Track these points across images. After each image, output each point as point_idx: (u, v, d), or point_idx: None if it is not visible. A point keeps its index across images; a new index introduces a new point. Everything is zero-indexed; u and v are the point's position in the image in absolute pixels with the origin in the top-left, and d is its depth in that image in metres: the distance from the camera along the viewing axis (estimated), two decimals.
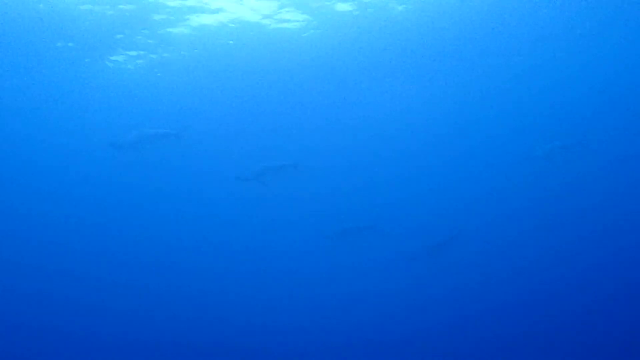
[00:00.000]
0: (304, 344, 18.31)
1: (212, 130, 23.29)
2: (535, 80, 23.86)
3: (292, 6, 16.23)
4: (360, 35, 18.29)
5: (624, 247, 21.22)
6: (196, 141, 21.77)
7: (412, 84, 21.93)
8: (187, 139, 17.04)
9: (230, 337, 19.07)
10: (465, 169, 26.18)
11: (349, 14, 16.95)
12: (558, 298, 19.56)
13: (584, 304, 18.97)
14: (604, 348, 16.49)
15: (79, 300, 20.52)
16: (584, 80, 23.86)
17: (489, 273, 21.01)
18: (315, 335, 18.78)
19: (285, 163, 16.91)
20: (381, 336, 18.66)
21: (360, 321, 19.42)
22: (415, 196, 25.21)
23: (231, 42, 18.17)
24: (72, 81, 20.04)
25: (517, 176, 24.50)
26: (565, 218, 23.06)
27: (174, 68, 19.56)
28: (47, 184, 25.27)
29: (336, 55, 19.29)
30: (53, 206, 24.79)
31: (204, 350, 18.41)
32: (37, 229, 23.69)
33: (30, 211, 24.36)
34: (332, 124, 23.86)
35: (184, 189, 25.57)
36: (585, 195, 23.70)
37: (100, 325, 19.23)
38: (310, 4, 16.21)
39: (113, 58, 19.11)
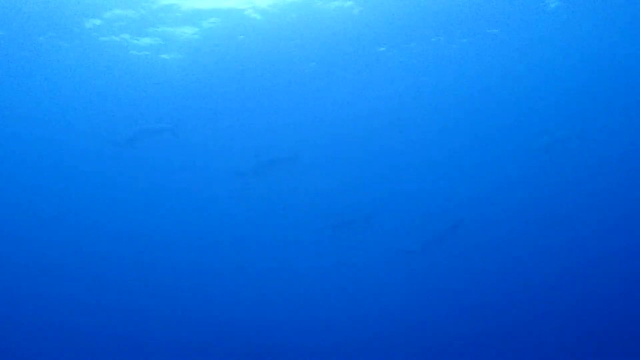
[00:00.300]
0: (301, 339, 18.27)
1: (208, 125, 23.19)
2: (532, 72, 23.79)
3: None
4: (354, 26, 18.25)
5: (624, 239, 21.20)
6: (192, 136, 21.81)
7: (410, 75, 21.86)
8: (183, 133, 17.00)
9: (227, 331, 19.07)
10: (464, 161, 26.11)
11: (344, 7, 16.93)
12: (557, 292, 19.52)
13: (583, 297, 18.93)
14: (606, 340, 16.48)
15: (77, 297, 20.48)
16: (582, 71, 23.79)
17: (487, 267, 20.99)
18: (312, 330, 18.75)
19: (284, 156, 16.86)
20: (378, 331, 18.67)
21: (358, 316, 19.41)
22: (412, 189, 25.16)
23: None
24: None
25: (516, 168, 24.47)
26: (564, 210, 23.03)
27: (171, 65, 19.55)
28: (46, 181, 25.19)
29: (331, 47, 19.24)
30: (51, 203, 24.73)
31: (199, 344, 18.40)
32: (34, 225, 23.65)
33: (28, 208, 24.30)
34: (328, 117, 23.76)
35: (181, 184, 25.49)
36: (584, 187, 23.68)
37: (99, 321, 19.20)
38: None
39: None
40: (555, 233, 21.99)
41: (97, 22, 16.63)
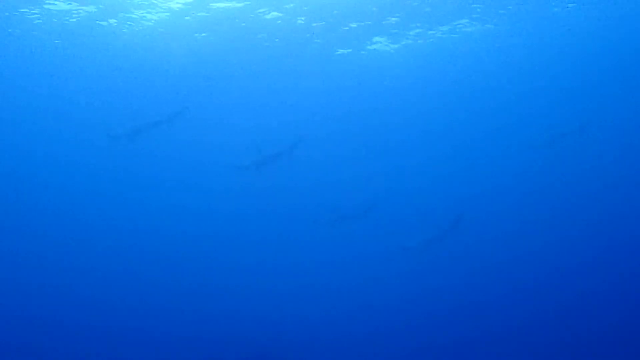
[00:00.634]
0: (298, 334, 18.28)
1: (207, 118, 23.18)
2: (534, 68, 23.73)
3: None
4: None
5: (626, 236, 21.09)
6: (191, 130, 21.79)
7: (410, 72, 21.80)
8: (182, 127, 16.99)
9: (224, 326, 19.10)
10: (465, 158, 26.03)
11: None
12: (558, 290, 19.44)
13: (584, 295, 18.86)
14: (606, 339, 16.42)
15: (76, 291, 20.47)
16: (584, 67, 23.72)
17: (488, 264, 20.90)
18: (310, 325, 18.75)
19: (283, 149, 16.83)
20: (376, 327, 18.65)
21: (356, 311, 19.40)
22: (413, 185, 25.08)
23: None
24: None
25: (518, 164, 24.38)
26: (566, 206, 22.93)
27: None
28: (45, 175, 25.18)
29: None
30: (51, 197, 24.72)
31: (195, 339, 18.42)
32: (34, 218, 23.66)
33: (27, 201, 24.32)
34: (329, 112, 23.71)
35: (180, 178, 25.49)
36: (587, 183, 23.57)
37: (98, 316, 19.21)
38: None
39: None
40: (557, 229, 21.87)
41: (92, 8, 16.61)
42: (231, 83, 21.62)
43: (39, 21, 16.90)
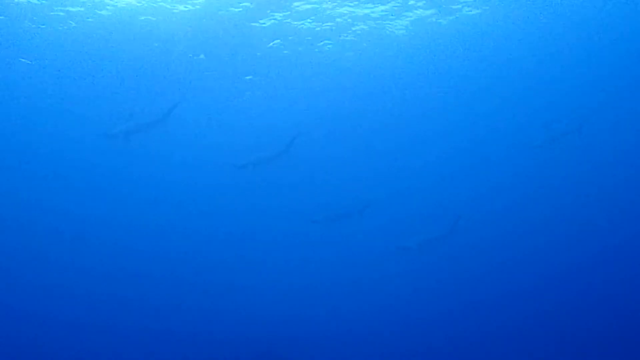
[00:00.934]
0: (293, 332, 18.27)
1: (200, 118, 23.14)
2: (531, 69, 23.70)
3: None
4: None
5: (624, 236, 21.07)
6: (188, 129, 21.79)
7: (407, 73, 21.78)
8: (178, 126, 16.95)
9: (219, 324, 19.10)
10: (462, 159, 25.99)
11: None
12: (555, 290, 19.41)
13: (581, 295, 18.83)
14: (604, 340, 16.39)
15: (71, 289, 20.45)
16: (581, 67, 23.71)
17: (485, 265, 20.89)
18: (305, 324, 18.75)
19: (280, 150, 16.78)
20: (371, 326, 18.64)
21: (352, 310, 19.40)
22: (410, 185, 25.06)
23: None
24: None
25: (515, 165, 24.35)
26: (563, 207, 22.92)
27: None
28: (42, 174, 25.10)
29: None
30: (47, 196, 24.66)
31: (187, 337, 18.39)
32: (29, 217, 23.60)
33: (22, 200, 24.24)
34: (325, 112, 23.65)
35: (177, 177, 25.46)
36: (585, 183, 23.56)
37: (94, 317, 19.17)
38: None
39: None
40: (555, 230, 21.84)
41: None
42: (228, 82, 21.51)
43: (34, 17, 16.75)
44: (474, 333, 18.01)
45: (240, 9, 17.05)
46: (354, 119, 24.02)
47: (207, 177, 24.65)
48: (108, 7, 16.71)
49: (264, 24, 17.86)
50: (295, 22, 18.00)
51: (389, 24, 18.27)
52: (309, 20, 17.90)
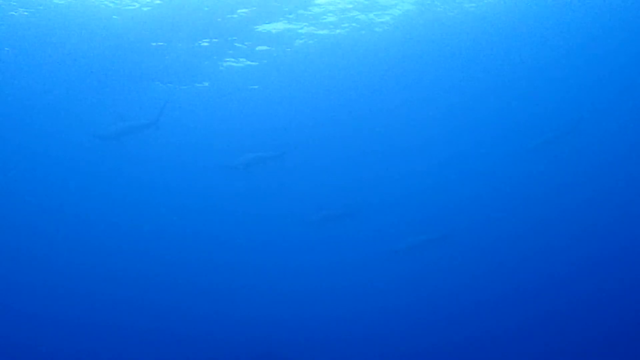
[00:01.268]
0: (283, 335, 18.23)
1: (192, 120, 23.08)
2: (524, 73, 23.68)
3: None
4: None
5: (617, 240, 21.05)
6: (178, 130, 21.72)
7: (407, 75, 21.70)
8: (167, 126, 16.90)
9: (211, 327, 19.05)
10: (456, 162, 25.92)
11: None
12: (547, 295, 19.39)
13: (574, 300, 18.81)
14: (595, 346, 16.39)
15: (59, 292, 20.36)
16: (574, 71, 23.71)
17: (476, 269, 20.86)
18: (295, 326, 18.71)
19: (273, 153, 16.75)
20: (361, 329, 18.62)
21: (342, 313, 19.37)
22: (403, 188, 24.98)
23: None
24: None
25: (508, 169, 24.31)
26: (556, 211, 22.88)
27: None
28: (31, 175, 24.96)
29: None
30: (37, 197, 24.52)
31: (179, 339, 18.36)
32: (19, 219, 23.48)
33: (13, 202, 24.13)
34: (318, 114, 23.60)
35: (169, 179, 25.37)
36: (577, 187, 23.54)
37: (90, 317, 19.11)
38: None
39: None
40: (547, 235, 21.80)
41: None
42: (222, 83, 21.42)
43: (25, 13, 16.60)
44: (469, 335, 17.99)
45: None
46: (347, 120, 23.94)
47: (200, 178, 24.57)
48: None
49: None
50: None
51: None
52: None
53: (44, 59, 18.78)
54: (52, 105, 21.47)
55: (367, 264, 20.82)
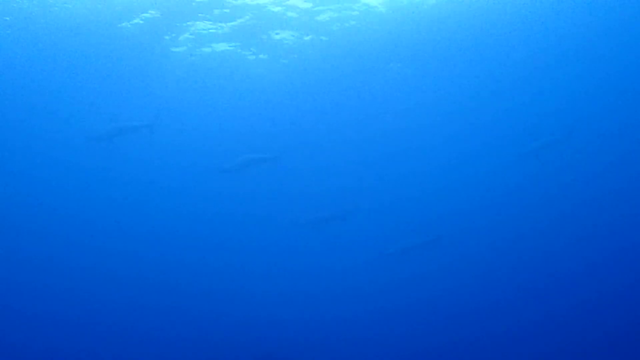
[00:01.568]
0: (275, 338, 18.12)
1: (187, 121, 22.98)
2: (521, 78, 23.75)
3: None
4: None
5: (613, 243, 21.04)
6: (174, 133, 21.66)
7: (401, 79, 21.71)
8: (164, 130, 16.90)
9: (202, 330, 18.94)
10: (452, 167, 25.88)
11: None
12: (542, 300, 19.33)
13: (568, 306, 18.76)
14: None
15: (52, 294, 20.19)
16: (570, 77, 23.79)
17: (471, 272, 20.81)
18: (288, 329, 18.62)
19: (267, 155, 16.67)
20: (353, 332, 18.54)
21: (334, 316, 19.30)
22: (397, 192, 24.94)
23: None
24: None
25: (506, 173, 24.29)
26: (551, 216, 22.86)
27: None
28: (25, 178, 24.81)
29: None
30: (31, 199, 24.35)
31: (171, 342, 18.23)
32: (12, 221, 23.30)
33: (6, 204, 23.95)
34: (311, 116, 23.57)
35: (163, 181, 25.26)
36: (573, 192, 23.54)
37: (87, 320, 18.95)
38: None
39: None
40: (541, 239, 21.76)
41: None
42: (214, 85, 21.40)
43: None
44: (463, 337, 17.93)
45: None
46: (340, 123, 23.94)
47: (192, 180, 24.48)
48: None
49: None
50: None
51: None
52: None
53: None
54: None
55: (362, 266, 20.75)
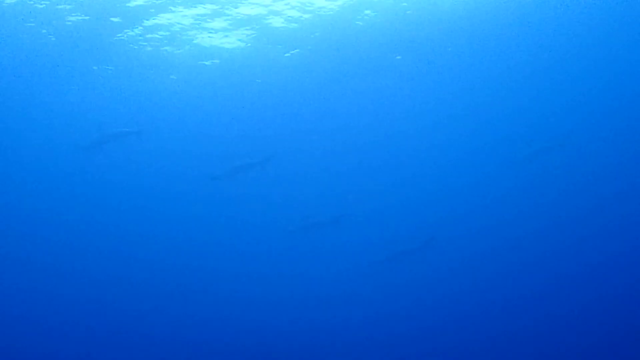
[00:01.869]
0: (264, 344, 17.91)
1: (176, 128, 22.92)
2: (516, 84, 23.73)
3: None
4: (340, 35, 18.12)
5: (608, 247, 20.90)
6: (161, 139, 21.56)
7: (391, 83, 21.66)
8: (154, 137, 16.88)
9: (192, 335, 18.76)
10: (448, 172, 25.78)
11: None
12: (536, 307, 19.16)
13: (563, 311, 18.60)
14: None
15: (42, 301, 20.03)
16: (564, 82, 23.78)
17: (466, 278, 20.65)
18: (276, 334, 18.43)
19: (256, 161, 16.60)
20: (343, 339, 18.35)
21: (323, 321, 19.13)
22: (389, 198, 24.81)
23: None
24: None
25: (501, 178, 24.20)
26: (548, 220, 22.73)
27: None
28: (13, 187, 24.69)
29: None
30: (19, 209, 24.22)
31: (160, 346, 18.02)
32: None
33: None
34: (303, 121, 23.51)
35: (153, 188, 25.15)
36: (568, 197, 23.44)
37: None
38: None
39: None
40: (534, 245, 21.61)
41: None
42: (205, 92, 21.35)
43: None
44: (454, 342, 17.77)
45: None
46: (330, 129, 23.89)
47: (182, 187, 24.38)
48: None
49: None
50: None
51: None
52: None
53: None
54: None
55: (352, 272, 20.60)
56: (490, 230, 22.44)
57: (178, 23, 16.81)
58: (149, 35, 17.31)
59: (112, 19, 16.13)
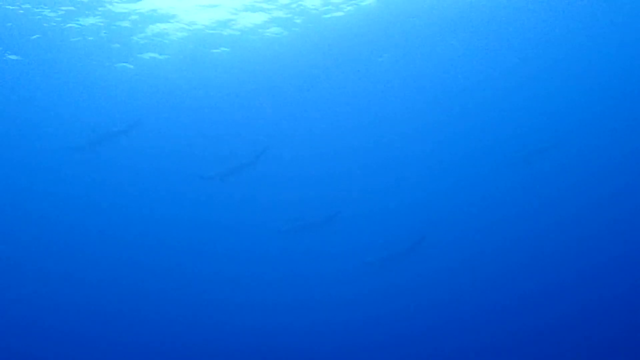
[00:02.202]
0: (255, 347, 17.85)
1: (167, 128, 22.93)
2: (511, 85, 23.81)
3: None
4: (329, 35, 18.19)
5: (603, 249, 20.87)
6: (152, 140, 21.59)
7: (382, 82, 21.72)
8: (145, 136, 16.90)
9: (181, 338, 18.69)
10: (442, 173, 25.77)
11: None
12: (529, 309, 19.13)
13: (557, 314, 18.56)
14: None
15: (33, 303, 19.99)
16: (559, 84, 23.86)
17: (463, 278, 20.62)
18: (267, 338, 18.38)
19: (248, 160, 16.60)
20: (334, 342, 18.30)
21: (314, 324, 19.09)
22: (382, 199, 24.79)
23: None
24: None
25: (495, 180, 24.21)
26: (543, 221, 22.72)
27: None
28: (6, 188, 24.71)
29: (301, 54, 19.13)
30: (12, 210, 24.23)
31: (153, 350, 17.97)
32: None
33: None
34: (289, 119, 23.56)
35: (143, 188, 25.13)
36: (563, 198, 23.44)
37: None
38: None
39: None
40: (528, 248, 21.58)
41: None
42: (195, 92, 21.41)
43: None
44: (448, 345, 17.74)
45: None
46: (322, 128, 23.94)
47: (174, 188, 24.38)
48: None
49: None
50: None
51: None
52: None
53: None
54: None
55: (343, 274, 20.57)
56: (484, 232, 22.44)
57: None
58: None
59: None
